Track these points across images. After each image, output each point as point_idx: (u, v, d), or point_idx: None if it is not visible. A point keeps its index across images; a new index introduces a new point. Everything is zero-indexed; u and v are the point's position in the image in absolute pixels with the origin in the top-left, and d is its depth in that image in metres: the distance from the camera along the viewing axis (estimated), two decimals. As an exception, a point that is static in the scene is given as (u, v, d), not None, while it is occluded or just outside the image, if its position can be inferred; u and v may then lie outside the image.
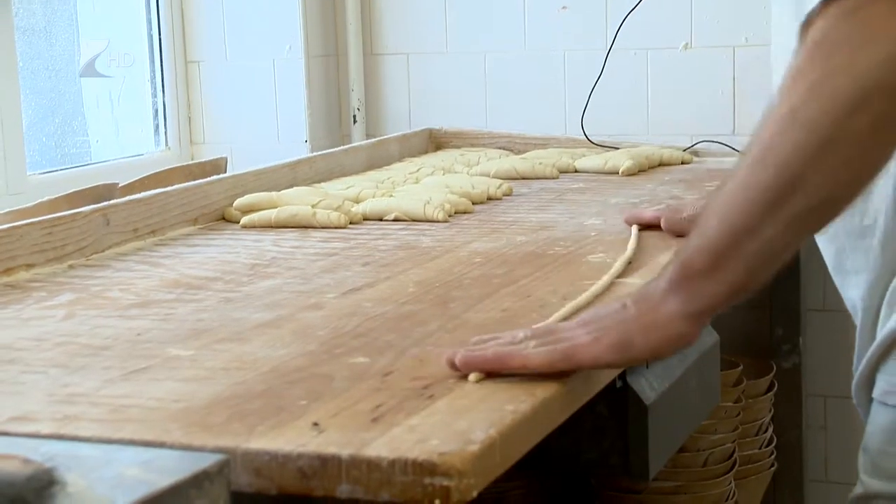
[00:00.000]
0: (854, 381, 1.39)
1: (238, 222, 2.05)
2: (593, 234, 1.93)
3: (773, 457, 2.45)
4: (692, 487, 2.15)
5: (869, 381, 1.35)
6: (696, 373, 1.67)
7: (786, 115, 1.02)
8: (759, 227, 1.03)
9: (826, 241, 1.41)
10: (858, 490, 1.35)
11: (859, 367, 1.37)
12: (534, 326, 1.23)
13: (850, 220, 1.33)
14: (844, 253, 1.39)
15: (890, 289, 1.31)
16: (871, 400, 1.35)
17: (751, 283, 1.09)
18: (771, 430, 2.47)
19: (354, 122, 2.89)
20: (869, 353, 1.34)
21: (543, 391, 1.13)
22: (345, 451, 0.97)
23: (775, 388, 2.50)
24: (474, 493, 0.97)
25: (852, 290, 1.38)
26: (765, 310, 2.60)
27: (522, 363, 1.13)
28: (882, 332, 1.32)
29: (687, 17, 2.69)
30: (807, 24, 1.03)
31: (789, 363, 2.58)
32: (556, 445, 1.41)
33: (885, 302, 1.33)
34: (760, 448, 2.42)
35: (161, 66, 2.85)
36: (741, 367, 2.33)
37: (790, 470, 2.63)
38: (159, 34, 2.85)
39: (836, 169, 1.01)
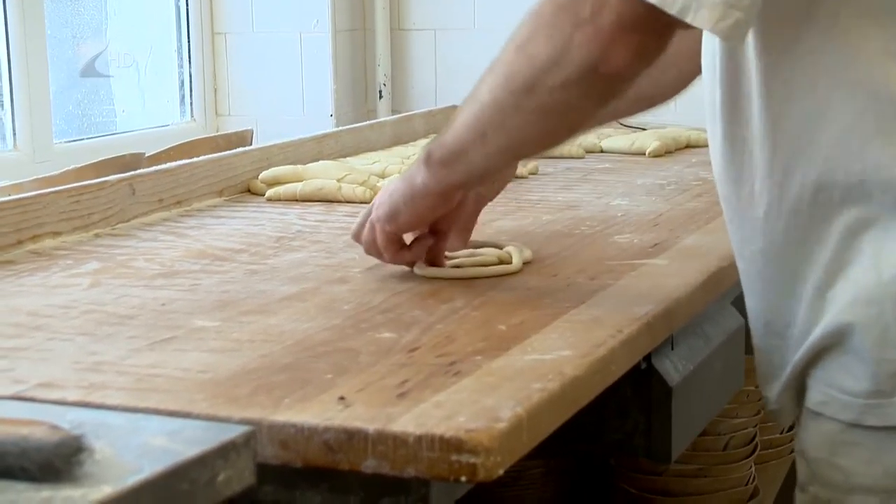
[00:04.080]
0: (776, 387, 1.36)
1: (263, 195, 2.06)
2: (620, 214, 1.94)
3: (793, 442, 2.44)
4: (712, 471, 2.15)
5: (797, 387, 1.32)
6: (721, 356, 1.68)
7: (494, 69, 1.29)
8: (472, 148, 1.32)
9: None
10: (804, 499, 1.34)
11: (783, 373, 1.34)
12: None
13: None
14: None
15: (810, 293, 1.27)
16: (800, 406, 1.33)
17: (476, 180, 1.45)
18: None
19: (380, 97, 2.90)
20: (796, 359, 1.30)
21: (572, 370, 1.13)
22: (371, 426, 0.97)
23: None
24: (500, 471, 0.97)
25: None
26: None
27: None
28: (809, 339, 1.28)
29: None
30: None
31: None
32: (578, 425, 1.41)
33: (805, 307, 1.28)
34: (782, 433, 2.42)
35: (188, 37, 2.86)
36: None
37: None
38: (187, 5, 2.86)
39: (515, 130, 1.28)
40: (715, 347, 1.64)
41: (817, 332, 1.26)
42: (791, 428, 2.35)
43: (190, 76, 2.86)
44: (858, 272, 1.19)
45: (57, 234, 1.73)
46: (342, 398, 1.04)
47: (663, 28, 1.14)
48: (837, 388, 1.24)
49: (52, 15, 2.44)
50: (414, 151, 2.41)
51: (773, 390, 1.37)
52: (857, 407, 1.21)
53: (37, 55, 2.32)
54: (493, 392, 1.05)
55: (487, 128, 1.30)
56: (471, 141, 1.32)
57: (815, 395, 1.28)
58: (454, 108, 2.81)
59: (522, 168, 2.25)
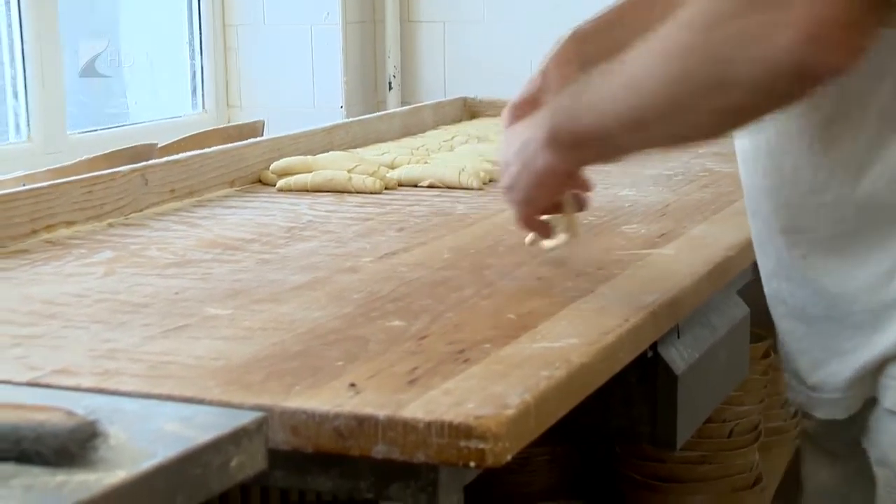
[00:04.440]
0: (838, 376, 1.29)
1: (274, 185, 2.06)
2: (627, 205, 1.93)
3: (797, 429, 2.43)
4: (717, 457, 2.16)
5: (871, 383, 1.26)
6: (726, 345, 1.68)
7: (668, 58, 1.10)
8: (615, 135, 1.20)
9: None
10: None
11: (853, 365, 1.27)
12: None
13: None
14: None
15: (882, 280, 1.22)
16: (873, 403, 1.27)
17: (603, 162, 1.42)
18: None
19: (390, 88, 2.89)
20: (874, 352, 1.24)
21: (578, 357, 1.14)
22: (381, 412, 0.98)
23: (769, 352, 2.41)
24: (508, 457, 0.97)
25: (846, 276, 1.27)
26: None
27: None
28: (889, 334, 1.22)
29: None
30: None
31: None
32: (584, 412, 1.41)
33: (888, 302, 1.22)
34: (785, 421, 2.42)
35: (200, 29, 2.85)
36: (770, 341, 2.29)
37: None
38: (198, -4, 2.86)
39: (685, 126, 1.16)
40: (720, 336, 1.64)
41: None
42: (796, 414, 2.36)
43: (202, 68, 2.86)
44: None
45: (71, 223, 1.73)
46: (353, 385, 1.04)
47: (883, 15, 1.01)
48: None
49: (64, 7, 2.44)
50: (423, 142, 2.44)
51: (831, 378, 1.30)
52: None
53: (50, 46, 2.32)
54: (501, 379, 1.06)
55: (651, 117, 1.15)
56: (621, 127, 1.19)
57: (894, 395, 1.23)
58: (463, 99, 2.85)
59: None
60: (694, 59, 1.07)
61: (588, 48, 1.51)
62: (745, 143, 1.34)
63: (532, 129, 1.31)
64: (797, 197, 1.27)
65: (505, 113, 1.48)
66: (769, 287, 1.41)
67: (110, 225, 1.76)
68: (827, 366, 1.31)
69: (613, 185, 2.11)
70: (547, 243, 1.47)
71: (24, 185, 1.77)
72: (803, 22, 0.97)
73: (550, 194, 1.38)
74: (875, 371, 1.24)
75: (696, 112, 1.12)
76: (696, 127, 1.16)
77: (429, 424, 0.96)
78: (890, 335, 1.21)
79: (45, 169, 1.94)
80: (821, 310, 1.29)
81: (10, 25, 2.28)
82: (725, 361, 1.69)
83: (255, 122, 2.48)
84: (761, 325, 2.22)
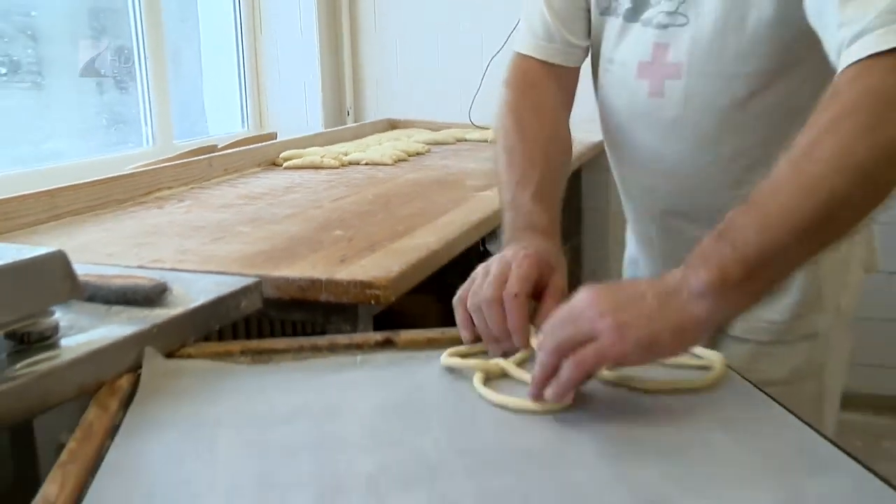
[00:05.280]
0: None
1: (282, 165, 2.03)
2: (470, 170, 1.90)
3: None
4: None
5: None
6: None
7: (834, 155, 0.65)
8: (791, 248, 0.66)
9: None
10: None
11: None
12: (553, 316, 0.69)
13: None
14: None
15: None
16: (722, 335, 0.96)
17: (770, 293, 0.70)
18: (578, 274, 2.41)
19: (348, 114, 2.86)
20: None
21: (433, 247, 1.15)
22: (324, 276, 1.00)
23: (569, 255, 2.38)
24: (392, 298, 0.99)
25: None
26: (563, 212, 2.51)
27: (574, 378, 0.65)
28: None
29: None
30: (857, 61, 0.68)
31: (575, 242, 2.51)
32: (446, 276, 1.43)
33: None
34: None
35: (244, 73, 2.78)
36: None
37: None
38: (242, 59, 2.79)
39: (867, 209, 0.68)
40: None
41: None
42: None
43: (247, 100, 2.81)
44: None
45: (169, 187, 1.72)
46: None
47: None
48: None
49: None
50: (364, 142, 2.37)
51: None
52: None
53: (161, 79, 2.24)
54: (392, 258, 1.08)
55: (841, 210, 0.66)
56: (802, 235, 0.66)
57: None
58: (388, 119, 2.83)
59: (421, 148, 2.24)
60: (878, 139, 0.65)
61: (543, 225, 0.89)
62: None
63: (673, 283, 0.66)
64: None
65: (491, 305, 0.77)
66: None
67: (191, 189, 1.75)
68: None
69: (467, 162, 2.09)
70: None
71: (146, 169, 1.75)
72: None
73: (684, 347, 0.69)
74: None
75: (890, 186, 0.67)
76: (891, 185, 0.67)
77: (349, 282, 0.98)
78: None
79: (156, 160, 1.92)
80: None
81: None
82: None
83: (272, 133, 2.47)
84: None
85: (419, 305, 1.48)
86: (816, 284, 0.95)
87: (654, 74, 0.92)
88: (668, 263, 0.78)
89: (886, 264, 2.69)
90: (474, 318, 0.78)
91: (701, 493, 0.56)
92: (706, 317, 0.65)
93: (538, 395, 0.66)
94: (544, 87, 1.01)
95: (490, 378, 0.74)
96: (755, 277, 0.66)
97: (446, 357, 0.76)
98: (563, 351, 0.65)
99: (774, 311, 0.95)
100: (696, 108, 0.90)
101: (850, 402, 2.77)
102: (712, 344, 0.93)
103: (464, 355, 0.77)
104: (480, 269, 0.81)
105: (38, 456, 0.86)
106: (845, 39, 0.70)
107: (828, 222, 0.66)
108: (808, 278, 0.95)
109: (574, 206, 2.52)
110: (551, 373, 0.65)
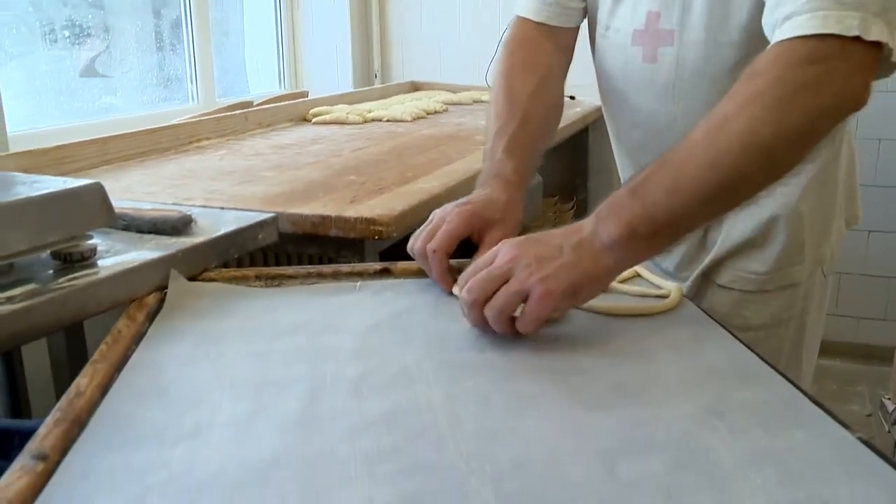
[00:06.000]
0: (696, 273, 0.99)
1: (311, 121, 2.04)
2: (481, 127, 1.87)
3: None
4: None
5: (710, 272, 0.98)
6: (528, 195, 1.67)
7: (743, 133, 0.65)
8: (695, 212, 0.67)
9: None
10: None
11: (702, 261, 0.98)
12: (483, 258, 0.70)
13: None
14: None
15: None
16: (710, 284, 0.98)
17: (670, 247, 0.75)
18: None
19: (375, 77, 2.85)
20: (714, 253, 0.97)
21: (436, 190, 1.16)
22: (334, 214, 1.01)
23: (574, 209, 2.40)
24: (395, 235, 1.01)
25: None
26: (571, 169, 2.53)
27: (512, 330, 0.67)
28: (726, 240, 0.96)
29: None
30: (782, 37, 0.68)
31: (582, 196, 2.53)
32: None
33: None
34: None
35: (282, 42, 2.79)
36: (557, 196, 2.32)
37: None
38: (280, 25, 2.80)
39: (766, 184, 0.68)
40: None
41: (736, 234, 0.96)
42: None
43: (284, 63, 2.81)
44: None
45: (209, 138, 1.74)
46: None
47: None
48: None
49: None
50: (389, 101, 2.38)
51: (672, 263, 1.02)
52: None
53: (206, 44, 2.26)
54: (397, 200, 1.09)
55: (742, 181, 0.66)
56: (705, 202, 0.66)
57: (727, 275, 0.97)
58: (411, 81, 2.83)
59: (440, 106, 2.25)
60: (783, 119, 0.65)
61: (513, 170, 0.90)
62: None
63: (587, 230, 0.68)
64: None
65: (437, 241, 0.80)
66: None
67: (227, 140, 1.77)
68: (674, 255, 1.02)
69: (481, 119, 2.10)
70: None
71: (188, 121, 1.78)
72: (862, 73, 0.66)
73: (599, 291, 0.69)
74: (709, 261, 0.98)
75: (789, 161, 0.68)
76: (790, 165, 0.68)
77: (356, 219, 1.00)
78: (733, 232, 0.96)
79: (198, 114, 1.95)
80: None
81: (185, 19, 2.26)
82: (527, 202, 1.66)
83: (304, 91, 2.47)
84: (553, 191, 2.24)
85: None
86: (800, 238, 0.94)
87: (648, 41, 0.91)
88: None
89: (867, 223, 2.67)
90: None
91: (638, 399, 0.58)
92: (614, 266, 0.68)
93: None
94: (539, 45, 0.99)
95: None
96: (659, 234, 0.67)
97: (457, 288, 0.73)
98: (481, 303, 0.66)
99: (759, 262, 0.95)
100: (687, 74, 0.89)
101: (829, 349, 2.78)
102: (702, 292, 0.99)
103: None
104: (432, 215, 0.82)
105: (87, 356, 0.90)
106: (778, 19, 0.70)
107: (730, 193, 0.67)
108: (793, 232, 0.94)
109: (582, 164, 2.50)
110: (480, 322, 0.67)
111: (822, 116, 0.66)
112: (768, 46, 0.70)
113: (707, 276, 0.99)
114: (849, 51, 0.66)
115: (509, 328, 0.66)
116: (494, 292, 0.65)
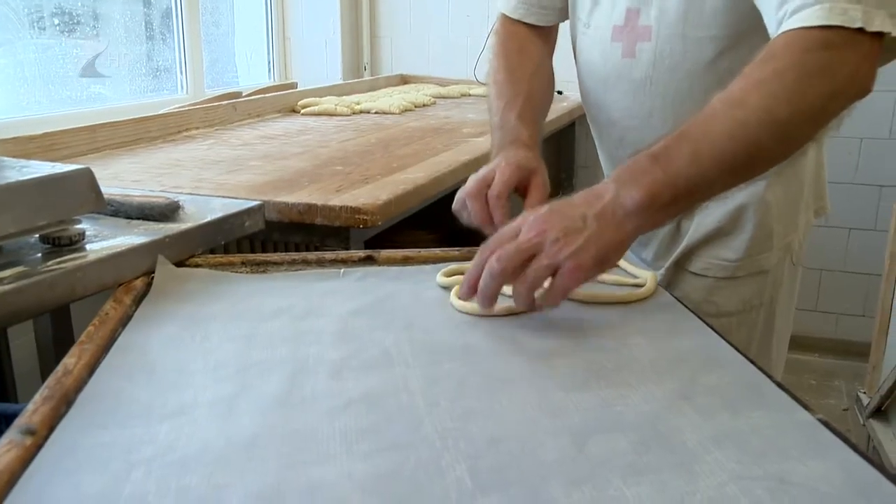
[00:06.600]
0: (670, 260, 1.01)
1: (300, 112, 2.05)
2: (469, 120, 1.91)
3: None
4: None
5: (684, 260, 1.00)
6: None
7: (762, 110, 0.68)
8: (714, 181, 0.70)
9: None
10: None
11: (676, 249, 1.01)
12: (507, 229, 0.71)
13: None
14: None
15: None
16: (684, 272, 1.00)
17: (683, 214, 0.79)
18: None
19: (364, 69, 2.85)
20: (687, 241, 0.99)
21: (420, 181, 1.18)
22: (320, 202, 1.03)
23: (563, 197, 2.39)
24: (379, 223, 1.02)
25: None
26: (557, 164, 2.54)
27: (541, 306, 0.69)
28: (698, 229, 0.98)
29: None
30: (794, 29, 0.71)
31: (568, 191, 2.51)
32: (441, 214, 1.45)
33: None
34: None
35: (272, 35, 2.79)
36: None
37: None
38: (270, 18, 2.80)
39: (782, 158, 0.74)
40: None
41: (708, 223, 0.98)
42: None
43: (274, 56, 2.82)
44: None
45: (198, 128, 1.75)
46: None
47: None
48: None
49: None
50: (377, 94, 2.40)
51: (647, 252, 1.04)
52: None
53: (195, 35, 2.26)
54: (382, 189, 1.10)
55: (760, 152, 0.69)
56: (723, 171, 0.69)
57: (700, 263, 0.99)
58: (400, 74, 2.84)
59: (427, 99, 2.25)
60: (799, 100, 0.68)
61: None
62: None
63: (608, 197, 0.69)
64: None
65: (474, 194, 0.81)
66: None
67: (216, 130, 1.78)
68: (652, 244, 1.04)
69: (468, 113, 2.09)
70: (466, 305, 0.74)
71: (177, 109, 1.78)
72: (870, 60, 0.69)
73: (616, 255, 0.70)
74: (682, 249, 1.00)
75: (803, 138, 0.72)
76: (802, 143, 0.73)
77: (341, 207, 1.01)
78: (706, 221, 0.98)
79: (187, 104, 1.95)
80: None
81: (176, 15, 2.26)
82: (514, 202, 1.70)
83: (293, 82, 2.48)
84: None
85: (414, 240, 1.52)
86: (768, 226, 0.97)
87: (627, 37, 0.93)
88: None
89: (848, 221, 2.69)
90: (462, 213, 0.82)
91: (611, 382, 0.59)
92: (634, 232, 0.69)
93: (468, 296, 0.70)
94: (527, 36, 1.03)
95: None
96: (678, 201, 0.69)
97: (440, 276, 0.79)
98: (509, 273, 0.66)
99: (730, 250, 0.97)
100: (664, 69, 0.91)
101: (808, 344, 2.81)
102: (676, 279, 1.01)
103: (453, 273, 0.81)
104: (472, 176, 0.83)
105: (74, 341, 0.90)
106: (787, 12, 0.72)
107: (748, 164, 0.70)
108: (761, 221, 0.96)
109: (568, 159, 2.52)
110: (494, 292, 0.68)
111: (834, 99, 0.69)
112: (774, 36, 0.73)
113: (680, 265, 1.01)
114: (856, 40, 0.69)
115: (531, 301, 0.67)
116: (521, 265, 0.66)
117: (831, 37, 0.69)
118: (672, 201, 0.68)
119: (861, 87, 0.70)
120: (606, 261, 0.68)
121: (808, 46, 0.69)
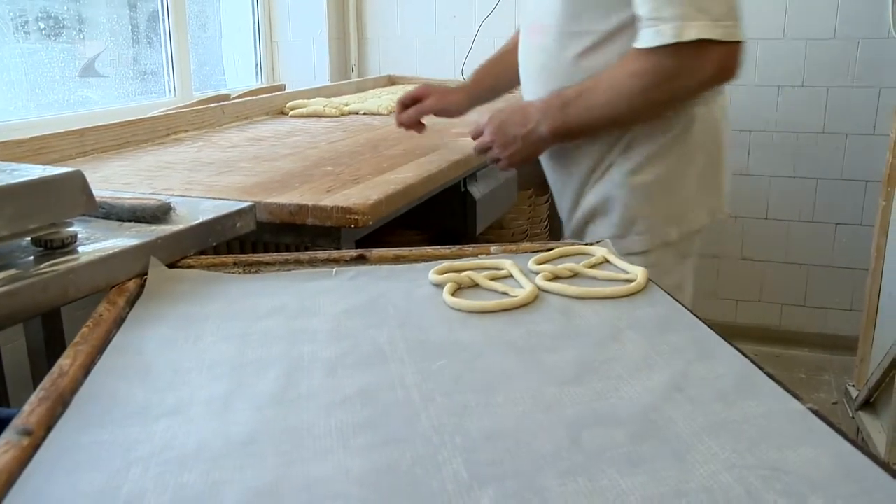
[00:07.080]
0: (568, 234, 1.26)
1: (288, 114, 2.05)
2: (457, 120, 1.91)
3: (548, 234, 2.43)
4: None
5: (580, 233, 1.22)
6: (504, 187, 1.70)
7: (620, 96, 1.03)
8: (597, 127, 1.09)
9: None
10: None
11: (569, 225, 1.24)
12: (479, 127, 1.19)
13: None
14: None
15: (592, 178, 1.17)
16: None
17: (575, 140, 1.13)
18: (548, 221, 2.47)
19: (352, 71, 2.86)
20: (579, 214, 1.21)
21: (410, 181, 1.18)
22: (311, 202, 1.03)
23: (549, 202, 2.35)
24: (370, 223, 1.02)
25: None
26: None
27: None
28: (584, 207, 1.20)
29: None
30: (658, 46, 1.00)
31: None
32: (433, 217, 1.46)
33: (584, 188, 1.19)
34: (542, 230, 2.46)
35: (259, 42, 2.80)
36: (531, 189, 2.30)
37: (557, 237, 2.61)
38: (258, 22, 2.80)
39: (635, 123, 1.11)
40: (500, 183, 1.66)
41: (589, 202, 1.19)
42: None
43: (261, 59, 2.81)
44: None
45: (186, 130, 1.75)
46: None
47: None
48: None
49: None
50: (365, 95, 2.40)
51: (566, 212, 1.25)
52: None
53: (183, 38, 2.26)
54: (373, 189, 1.10)
55: (621, 119, 1.08)
56: (599, 124, 1.09)
57: (593, 236, 1.18)
58: (388, 75, 2.84)
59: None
60: (642, 101, 1.04)
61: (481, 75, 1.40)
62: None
63: (532, 125, 1.11)
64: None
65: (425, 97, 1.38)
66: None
67: (206, 131, 1.77)
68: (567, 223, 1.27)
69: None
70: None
71: (166, 112, 1.78)
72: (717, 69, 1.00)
73: (534, 158, 1.17)
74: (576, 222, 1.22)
75: (651, 111, 1.08)
76: (652, 115, 1.10)
77: (332, 207, 1.01)
78: (589, 198, 1.19)
79: (175, 107, 1.95)
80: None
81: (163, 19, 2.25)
82: (503, 194, 1.70)
83: (281, 84, 2.47)
84: (528, 185, 2.25)
85: (404, 240, 1.53)
86: (629, 214, 1.15)
87: (534, 33, 1.16)
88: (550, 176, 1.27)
89: (834, 216, 2.71)
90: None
91: (605, 376, 0.60)
92: (545, 147, 1.14)
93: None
94: (514, 37, 1.35)
95: (461, 288, 0.78)
96: (574, 135, 1.12)
97: (433, 274, 0.81)
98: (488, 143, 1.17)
99: (603, 227, 1.17)
100: (552, 59, 1.14)
101: (798, 339, 2.82)
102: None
103: (445, 271, 0.82)
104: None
105: (65, 345, 0.90)
106: (640, 24, 1.01)
107: (614, 120, 1.09)
108: (626, 206, 1.15)
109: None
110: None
111: (680, 95, 1.06)
112: (632, 45, 1.03)
113: (576, 235, 1.23)
114: (685, 50, 0.97)
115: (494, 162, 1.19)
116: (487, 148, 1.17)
117: (664, 53, 0.98)
118: (566, 132, 1.11)
119: (710, 82, 1.02)
120: (527, 160, 1.16)
121: (650, 61, 1.01)
